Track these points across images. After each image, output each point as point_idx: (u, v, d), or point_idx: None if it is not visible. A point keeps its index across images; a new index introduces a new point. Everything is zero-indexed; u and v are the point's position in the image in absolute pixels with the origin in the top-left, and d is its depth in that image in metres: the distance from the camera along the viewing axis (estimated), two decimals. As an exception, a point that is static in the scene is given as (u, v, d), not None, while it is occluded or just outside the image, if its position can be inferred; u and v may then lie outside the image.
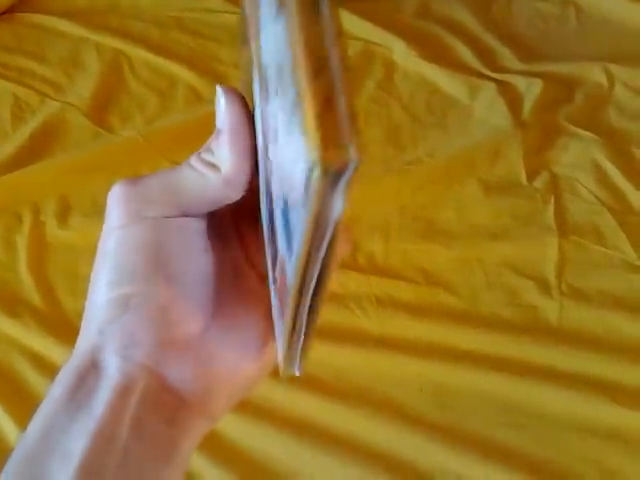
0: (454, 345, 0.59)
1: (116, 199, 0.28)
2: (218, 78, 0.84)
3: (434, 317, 0.61)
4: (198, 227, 0.28)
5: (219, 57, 0.87)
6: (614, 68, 0.83)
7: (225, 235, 0.31)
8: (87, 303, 0.28)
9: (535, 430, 0.54)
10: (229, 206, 0.29)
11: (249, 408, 0.55)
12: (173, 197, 0.27)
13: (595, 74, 0.83)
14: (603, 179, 0.72)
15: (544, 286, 0.63)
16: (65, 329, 0.60)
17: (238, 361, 0.29)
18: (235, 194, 0.27)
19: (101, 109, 0.80)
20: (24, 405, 0.56)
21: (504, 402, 0.56)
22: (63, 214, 0.69)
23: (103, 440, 0.25)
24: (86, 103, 0.80)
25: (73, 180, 0.72)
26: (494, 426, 0.54)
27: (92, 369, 0.27)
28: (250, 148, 0.26)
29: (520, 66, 0.85)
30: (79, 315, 0.59)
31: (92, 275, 0.28)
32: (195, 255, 0.28)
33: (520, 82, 0.82)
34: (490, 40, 0.89)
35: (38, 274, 0.65)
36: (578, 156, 0.74)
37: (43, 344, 0.59)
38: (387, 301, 0.62)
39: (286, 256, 0.23)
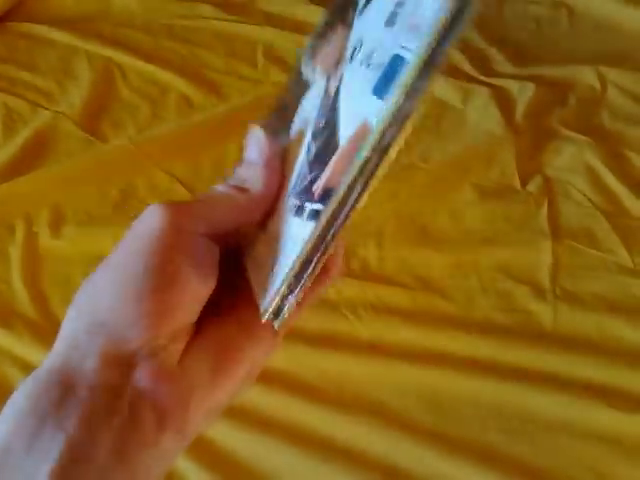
0: (449, 351, 0.59)
1: (152, 220, 0.31)
2: (210, 85, 0.84)
3: (429, 323, 0.61)
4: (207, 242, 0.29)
5: (211, 64, 0.87)
6: (606, 71, 0.83)
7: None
8: (61, 331, 0.29)
9: (531, 435, 0.54)
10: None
11: (241, 414, 0.54)
12: (205, 211, 0.29)
13: (588, 77, 0.83)
14: (597, 182, 0.71)
15: (538, 290, 0.63)
16: (58, 340, 0.60)
17: (218, 382, 0.29)
18: (258, 214, 0.29)
19: (93, 118, 0.80)
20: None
21: (499, 408, 0.55)
22: (56, 224, 0.69)
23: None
24: (78, 112, 0.80)
25: (66, 190, 0.72)
26: (490, 432, 0.54)
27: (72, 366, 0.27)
28: (280, 179, 0.29)
29: (512, 70, 0.85)
30: (73, 326, 0.60)
31: (70, 309, 0.29)
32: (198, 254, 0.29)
33: (513, 86, 0.82)
34: (482, 44, 0.89)
35: (32, 285, 0.64)
36: (571, 160, 0.74)
37: (37, 355, 0.59)
38: (382, 307, 0.62)
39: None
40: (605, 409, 0.55)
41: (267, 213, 0.31)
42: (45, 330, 0.61)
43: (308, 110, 0.31)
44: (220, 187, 0.29)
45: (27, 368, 0.59)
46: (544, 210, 0.69)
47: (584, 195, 0.70)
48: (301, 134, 0.30)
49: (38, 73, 0.86)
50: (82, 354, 0.27)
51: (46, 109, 0.81)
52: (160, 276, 0.27)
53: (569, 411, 0.55)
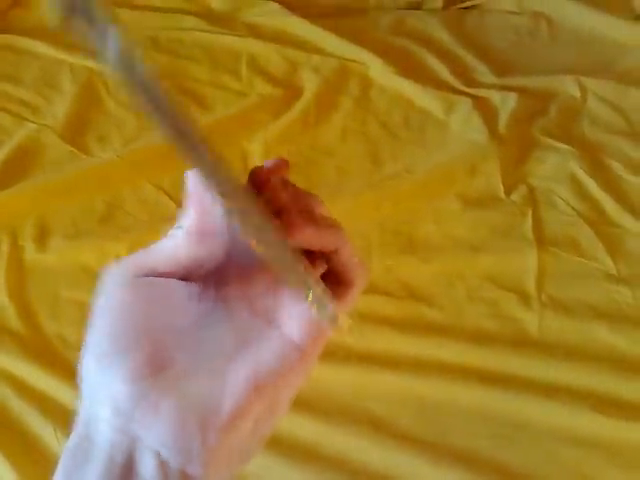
0: (437, 359, 0.59)
1: (108, 281, 0.29)
2: (194, 97, 0.84)
3: (417, 331, 0.61)
4: (171, 285, 0.29)
5: (195, 75, 0.87)
6: (586, 80, 0.84)
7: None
8: (82, 369, 0.28)
9: (518, 441, 0.55)
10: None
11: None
12: (150, 262, 0.29)
13: (568, 86, 0.84)
14: (579, 190, 0.73)
15: (524, 298, 0.64)
16: (47, 354, 0.59)
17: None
18: (203, 246, 0.29)
19: (77, 130, 0.80)
20: (6, 431, 0.55)
21: (487, 414, 0.56)
22: (41, 237, 0.69)
23: None
24: (62, 125, 0.80)
25: (51, 203, 0.72)
26: (478, 439, 0.55)
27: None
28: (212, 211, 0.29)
29: (495, 80, 0.86)
30: (61, 340, 0.60)
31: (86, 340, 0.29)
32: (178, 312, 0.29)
33: (495, 96, 0.83)
34: (464, 55, 0.90)
35: (18, 299, 0.64)
36: (554, 168, 0.75)
37: (25, 370, 0.59)
38: (370, 316, 0.63)
39: None
40: (591, 414, 0.55)
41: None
42: (33, 344, 0.61)
43: None
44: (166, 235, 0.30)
45: (14, 381, 0.58)
46: (529, 218, 0.70)
47: (567, 203, 0.71)
48: None
49: (22, 85, 0.85)
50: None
51: (30, 122, 0.80)
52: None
53: (556, 417, 0.55)
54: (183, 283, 0.30)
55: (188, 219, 0.28)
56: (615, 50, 0.90)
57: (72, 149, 0.78)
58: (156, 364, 0.27)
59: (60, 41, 0.91)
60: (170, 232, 0.29)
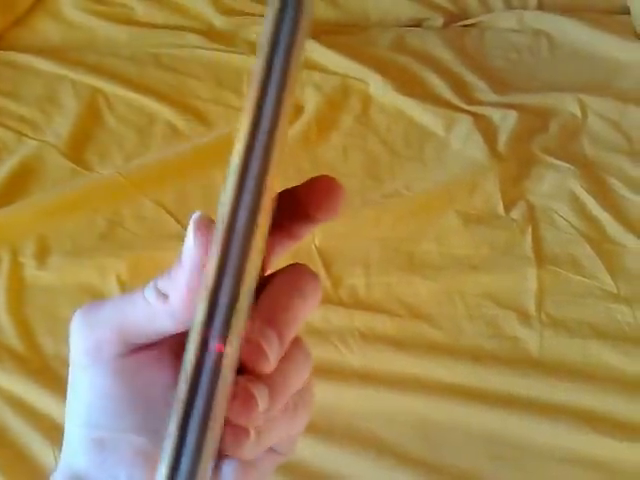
0: (438, 378, 0.59)
1: (75, 333, 0.27)
2: (196, 114, 0.84)
3: (417, 351, 0.61)
4: (154, 358, 0.27)
5: (196, 93, 0.87)
6: (586, 98, 0.84)
7: None
8: (65, 433, 0.27)
9: (520, 462, 0.55)
10: None
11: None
12: (123, 334, 0.26)
13: (568, 104, 0.84)
14: (579, 209, 0.73)
15: (524, 317, 0.64)
16: (45, 373, 0.59)
17: None
18: (184, 327, 0.25)
19: (79, 147, 0.80)
20: (4, 450, 0.55)
21: (488, 435, 0.56)
22: (42, 255, 0.69)
23: None
24: (63, 141, 0.80)
25: (51, 220, 0.72)
26: (479, 460, 0.55)
27: None
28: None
29: (494, 98, 0.86)
30: (59, 359, 0.60)
31: (67, 403, 0.27)
32: (157, 390, 0.27)
33: (495, 114, 0.83)
34: (464, 72, 0.90)
35: (17, 317, 0.64)
36: (554, 186, 0.75)
37: (23, 388, 0.59)
38: (370, 335, 0.62)
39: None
40: (592, 435, 0.55)
41: None
42: (31, 363, 0.61)
43: None
44: (146, 291, 0.26)
45: (13, 400, 0.58)
46: (528, 236, 0.70)
47: (567, 221, 0.71)
48: None
49: (23, 102, 0.85)
50: None
51: (31, 139, 0.81)
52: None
53: (556, 437, 0.55)
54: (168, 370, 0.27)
55: (177, 297, 0.25)
56: (615, 68, 0.90)
57: (73, 166, 0.78)
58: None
59: (62, 57, 0.91)
60: (149, 293, 0.26)
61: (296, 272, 0.26)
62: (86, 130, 0.82)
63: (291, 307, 0.25)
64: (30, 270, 0.68)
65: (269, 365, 0.24)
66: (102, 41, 0.95)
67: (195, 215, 0.24)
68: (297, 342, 0.26)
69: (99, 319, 0.26)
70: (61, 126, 0.82)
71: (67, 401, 0.27)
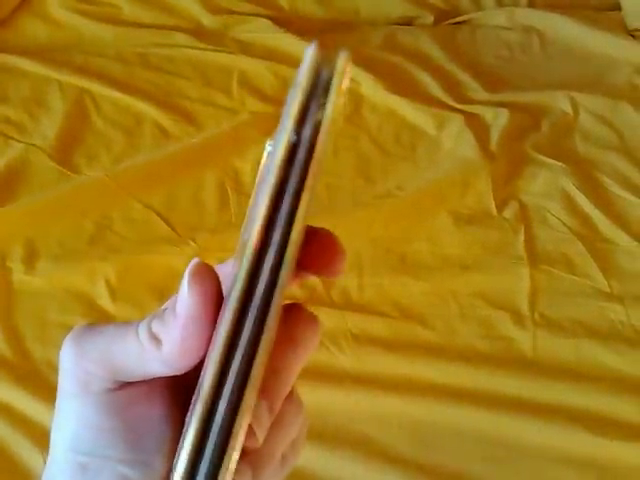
0: (430, 379, 0.59)
1: (65, 360, 0.26)
2: (185, 115, 0.83)
3: (410, 352, 0.61)
4: (144, 393, 0.27)
5: (185, 93, 0.87)
6: (578, 96, 0.84)
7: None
8: (50, 453, 0.27)
9: (513, 463, 0.54)
10: None
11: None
12: (113, 371, 0.26)
13: (560, 102, 0.84)
14: (572, 207, 0.72)
15: (517, 317, 0.63)
16: (35, 379, 0.59)
17: None
18: (175, 373, 0.25)
19: (66, 150, 0.79)
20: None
21: (481, 436, 0.55)
22: (30, 259, 0.68)
23: None
24: (51, 144, 0.79)
25: (39, 223, 0.71)
26: (473, 461, 0.54)
27: None
28: (203, 339, 0.24)
29: (486, 96, 0.86)
30: (49, 365, 0.59)
31: (53, 426, 0.27)
32: (146, 425, 0.26)
33: (487, 113, 0.83)
34: (456, 70, 0.90)
35: (6, 322, 0.63)
36: (546, 185, 0.75)
37: (12, 395, 0.58)
38: (363, 337, 0.62)
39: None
40: (584, 434, 0.55)
41: None
42: (20, 369, 0.60)
43: None
44: (139, 329, 0.25)
45: (1, 405, 0.57)
46: (521, 236, 0.70)
47: (559, 220, 0.71)
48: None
49: (9, 104, 0.84)
50: None
51: (18, 141, 0.79)
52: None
53: (549, 437, 0.55)
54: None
55: (171, 345, 0.24)
56: (606, 65, 0.90)
57: (60, 168, 0.77)
58: None
59: (48, 58, 0.90)
60: (142, 331, 0.25)
61: (291, 320, 0.25)
62: (73, 132, 0.81)
63: (284, 368, 0.24)
64: (18, 275, 0.67)
65: (256, 443, 0.23)
66: (89, 41, 0.94)
67: (192, 262, 0.24)
68: (289, 395, 0.25)
69: (89, 350, 0.26)
70: (48, 128, 0.81)
71: (53, 424, 0.27)
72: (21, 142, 0.79)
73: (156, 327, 0.24)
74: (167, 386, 0.27)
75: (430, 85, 0.87)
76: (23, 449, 0.55)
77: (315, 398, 0.57)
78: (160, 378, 0.26)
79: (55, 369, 0.27)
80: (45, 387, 0.58)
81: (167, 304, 0.26)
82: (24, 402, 0.57)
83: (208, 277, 0.23)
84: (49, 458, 0.27)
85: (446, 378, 0.59)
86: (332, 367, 0.60)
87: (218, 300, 0.24)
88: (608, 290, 0.65)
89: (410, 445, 0.55)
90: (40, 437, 0.55)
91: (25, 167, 0.77)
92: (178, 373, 0.25)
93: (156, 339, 0.24)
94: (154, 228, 0.71)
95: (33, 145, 0.79)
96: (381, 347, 0.61)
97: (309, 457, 0.54)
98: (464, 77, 0.88)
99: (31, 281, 0.66)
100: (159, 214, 0.72)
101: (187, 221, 0.71)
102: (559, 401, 0.57)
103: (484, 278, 0.67)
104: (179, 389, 0.28)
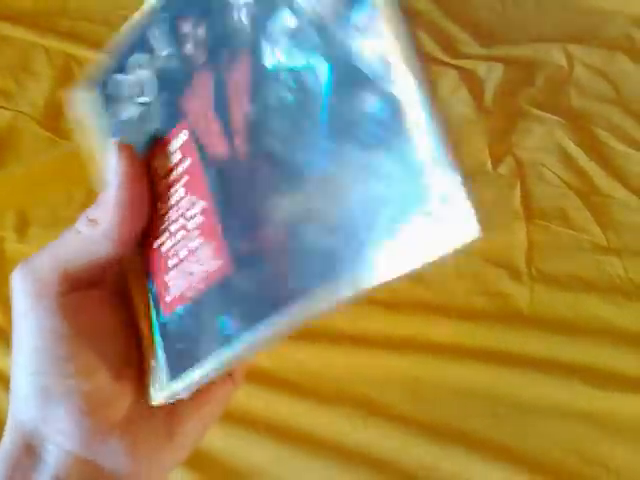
0: (428, 338, 0.59)
1: (16, 283, 0.27)
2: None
3: (407, 310, 0.61)
4: (95, 298, 0.27)
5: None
6: (573, 48, 0.83)
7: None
8: (12, 385, 0.27)
9: (513, 419, 0.54)
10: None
11: (225, 414, 0.54)
12: (62, 270, 0.26)
13: (555, 56, 0.83)
14: (567, 161, 0.72)
15: (514, 273, 0.63)
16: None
17: (170, 434, 0.28)
18: (120, 248, 0.26)
19: (55, 116, 0.78)
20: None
21: (481, 392, 0.56)
22: (22, 227, 0.67)
23: None
24: (39, 111, 0.78)
25: (30, 192, 0.70)
26: (472, 417, 0.54)
27: (29, 456, 0.26)
28: (140, 200, 0.26)
29: (480, 51, 0.84)
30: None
31: (12, 357, 0.27)
32: (102, 330, 0.27)
33: (481, 67, 0.81)
34: (449, 25, 0.88)
35: (-1, 291, 0.63)
36: (542, 139, 0.74)
37: (5, 361, 0.58)
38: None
39: None
40: (583, 387, 0.55)
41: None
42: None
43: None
44: (78, 224, 0.26)
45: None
46: (517, 191, 0.69)
47: (555, 174, 0.70)
48: None
49: (-4, 72, 0.83)
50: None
51: (5, 109, 0.78)
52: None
53: (549, 391, 0.55)
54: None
55: (107, 216, 0.25)
56: (601, 17, 0.88)
57: (50, 135, 0.76)
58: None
59: (33, 24, 0.88)
60: (80, 224, 0.26)
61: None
62: (61, 98, 0.80)
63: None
64: (11, 243, 0.67)
65: None
66: (74, 6, 0.92)
67: (113, 141, 0.26)
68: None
69: (35, 260, 0.27)
70: (35, 95, 0.80)
71: (13, 355, 0.27)
72: (9, 110, 0.78)
73: (91, 212, 0.26)
74: (117, 293, 0.28)
75: (423, 40, 0.85)
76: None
77: (314, 360, 0.58)
78: (109, 284, 0.28)
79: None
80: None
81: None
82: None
83: (131, 148, 0.26)
84: (12, 394, 0.27)
85: (444, 336, 0.59)
86: (330, 328, 0.60)
87: (144, 169, 0.26)
88: (605, 244, 0.65)
89: (410, 403, 0.55)
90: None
91: (13, 134, 0.76)
92: (122, 250, 0.26)
93: (93, 221, 0.25)
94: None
95: (21, 112, 0.78)
96: (378, 306, 0.61)
97: (308, 416, 0.54)
98: (457, 32, 0.86)
99: (24, 249, 0.66)
100: (151, 179, 0.71)
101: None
102: (557, 355, 0.57)
103: (480, 235, 0.66)
104: (129, 300, 0.28)
